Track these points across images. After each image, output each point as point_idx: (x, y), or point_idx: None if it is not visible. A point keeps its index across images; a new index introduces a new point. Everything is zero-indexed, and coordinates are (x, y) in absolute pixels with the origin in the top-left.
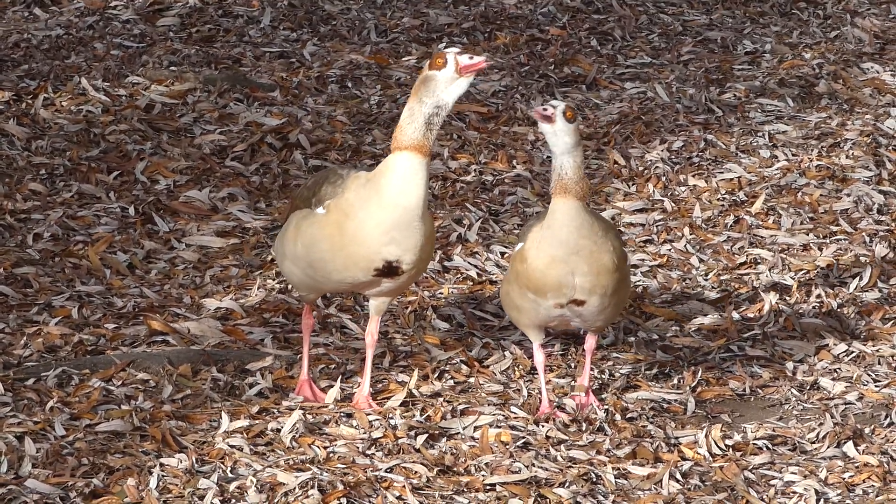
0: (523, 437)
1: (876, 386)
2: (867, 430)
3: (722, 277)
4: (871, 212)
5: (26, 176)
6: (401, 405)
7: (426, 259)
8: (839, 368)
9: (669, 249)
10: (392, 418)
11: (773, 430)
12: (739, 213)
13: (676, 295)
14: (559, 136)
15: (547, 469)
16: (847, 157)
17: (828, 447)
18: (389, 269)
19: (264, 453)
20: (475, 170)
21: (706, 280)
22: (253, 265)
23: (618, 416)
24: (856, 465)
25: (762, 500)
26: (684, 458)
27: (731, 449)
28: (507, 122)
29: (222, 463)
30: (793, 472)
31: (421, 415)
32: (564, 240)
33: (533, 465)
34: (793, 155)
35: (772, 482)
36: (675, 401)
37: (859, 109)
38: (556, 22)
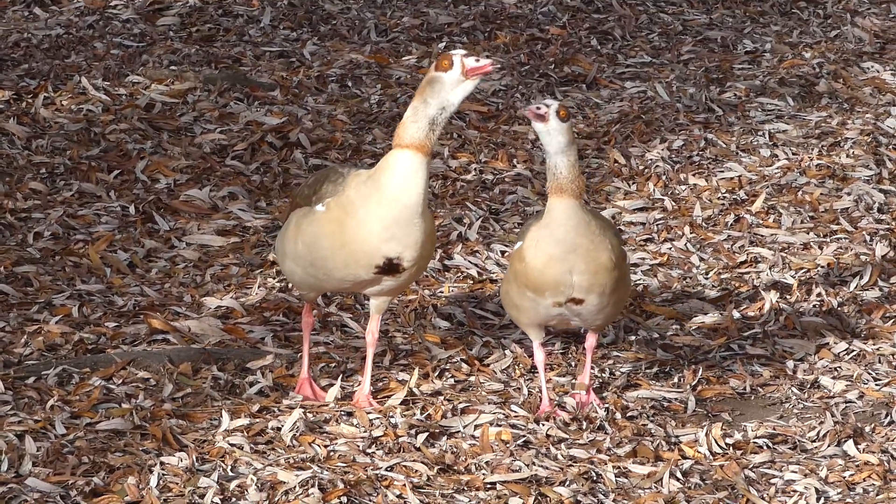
0: (524, 436)
1: (876, 384)
2: (867, 429)
3: (722, 276)
4: (872, 211)
5: (27, 175)
6: (401, 404)
7: (427, 257)
8: (840, 367)
9: (670, 248)
10: (392, 417)
11: (774, 429)
12: (740, 211)
13: (677, 294)
14: (553, 135)
15: (547, 468)
16: (847, 156)
17: (828, 446)
18: (390, 267)
19: (265, 452)
20: (475, 169)
21: (706, 279)
22: (253, 264)
23: (618, 415)
24: (856, 463)
25: (763, 498)
26: (685, 457)
27: (731, 447)
28: (507, 121)
29: (223, 461)
30: (793, 471)
31: (421, 413)
32: (561, 238)
33: (533, 463)
34: (793, 154)
35: (772, 481)
36: (676, 399)
37: (859, 108)
38: (556, 21)
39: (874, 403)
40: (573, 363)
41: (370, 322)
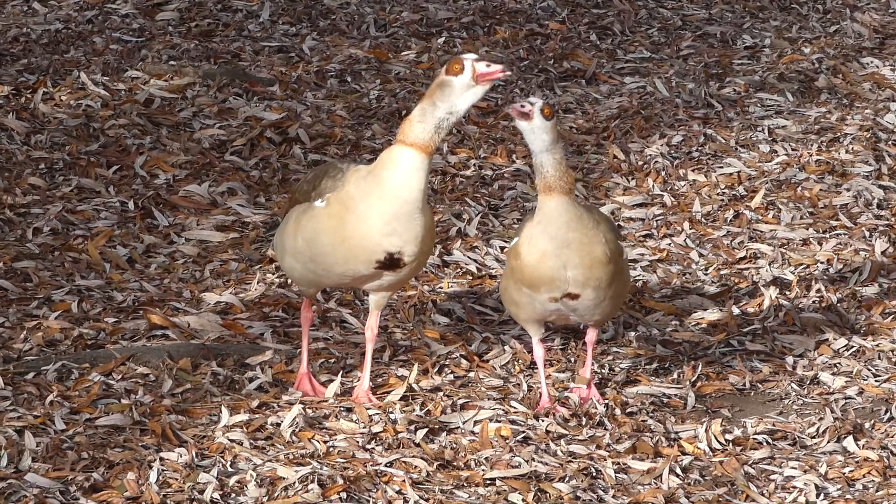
0: (523, 432)
1: (876, 381)
2: (867, 425)
3: (722, 272)
4: (871, 207)
5: (26, 170)
6: (400, 399)
7: (427, 252)
8: (839, 363)
9: (669, 244)
10: (392, 413)
11: (773, 425)
12: (739, 207)
13: (676, 289)
14: (537, 133)
15: (547, 463)
16: (847, 151)
17: (828, 442)
18: (391, 262)
19: (264, 448)
20: (475, 164)
21: (706, 275)
22: (252, 259)
23: (618, 411)
24: (856, 459)
25: (762, 494)
26: (684, 453)
27: (730, 443)
28: (506, 116)
29: (222, 457)
30: (793, 467)
31: (421, 409)
32: (553, 235)
33: (533, 459)
34: (792, 150)
35: (772, 477)
36: (675, 395)
37: (859, 104)
38: (555, 16)
39: (874, 400)
40: (573, 359)
41: (369, 318)
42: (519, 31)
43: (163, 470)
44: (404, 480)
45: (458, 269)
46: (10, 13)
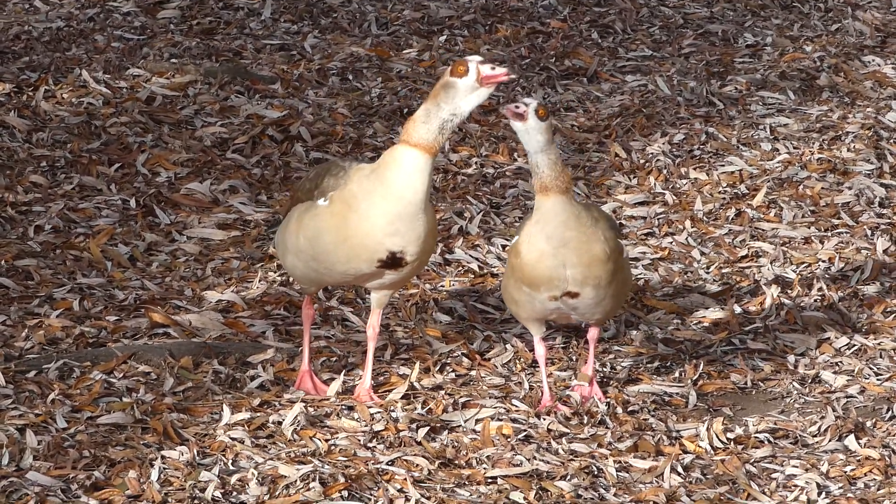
0: (525, 430)
1: (878, 379)
2: (869, 424)
3: (723, 270)
4: (873, 205)
5: (27, 168)
6: (402, 398)
7: (429, 251)
8: (841, 362)
9: (671, 242)
10: (393, 411)
11: (775, 424)
12: (741, 206)
13: (678, 288)
14: (531, 134)
15: (548, 462)
16: (848, 150)
17: (829, 440)
18: (393, 261)
19: (265, 446)
20: (476, 162)
21: (708, 273)
22: (254, 257)
23: (619, 409)
24: (857, 458)
25: (764, 493)
26: (686, 452)
27: (732, 442)
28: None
29: (223, 455)
30: (794, 466)
31: (422, 407)
32: (551, 234)
33: (534, 458)
34: (794, 148)
35: (773, 475)
36: (677, 394)
37: (860, 102)
38: (556, 14)
39: (875, 398)
40: (574, 358)
41: (371, 316)
42: (520, 30)
43: (164, 468)
44: (406, 479)
45: (460, 268)
46: (11, 11)
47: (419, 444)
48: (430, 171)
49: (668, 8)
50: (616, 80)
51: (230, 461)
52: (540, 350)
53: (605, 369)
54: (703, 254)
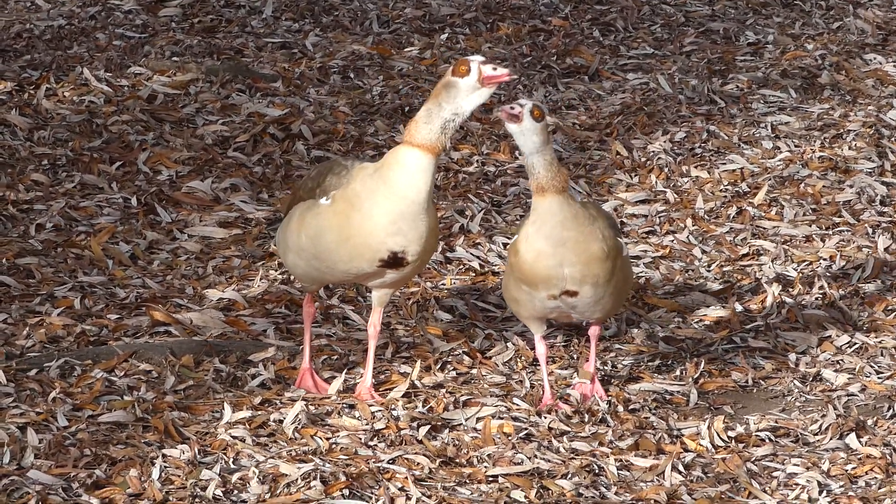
0: (525, 429)
1: (879, 377)
2: (870, 422)
3: (724, 269)
4: (874, 203)
5: (28, 166)
6: (403, 396)
7: (430, 251)
8: (842, 360)
9: (672, 241)
10: (394, 409)
11: (776, 422)
12: (742, 204)
13: (679, 286)
14: (527, 135)
15: (549, 460)
16: (850, 148)
17: (830, 439)
18: (395, 260)
19: (267, 444)
20: (477, 160)
21: (709, 271)
22: (255, 256)
23: (620, 408)
24: (858, 456)
25: (765, 491)
26: (687, 450)
27: (733, 440)
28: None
29: (224, 454)
30: (795, 464)
31: (423, 406)
32: (548, 234)
33: (535, 456)
34: (795, 146)
35: (774, 474)
36: (678, 392)
37: (862, 101)
38: (558, 12)
39: (876, 396)
40: (575, 356)
41: (372, 314)
42: (522, 28)
43: (165, 467)
44: (407, 477)
45: (461, 266)
46: (13, 9)
47: (420, 442)
48: (432, 171)
49: (669, 6)
50: (617, 78)
51: (231, 460)
52: (541, 348)
53: (606, 367)
54: (704, 252)
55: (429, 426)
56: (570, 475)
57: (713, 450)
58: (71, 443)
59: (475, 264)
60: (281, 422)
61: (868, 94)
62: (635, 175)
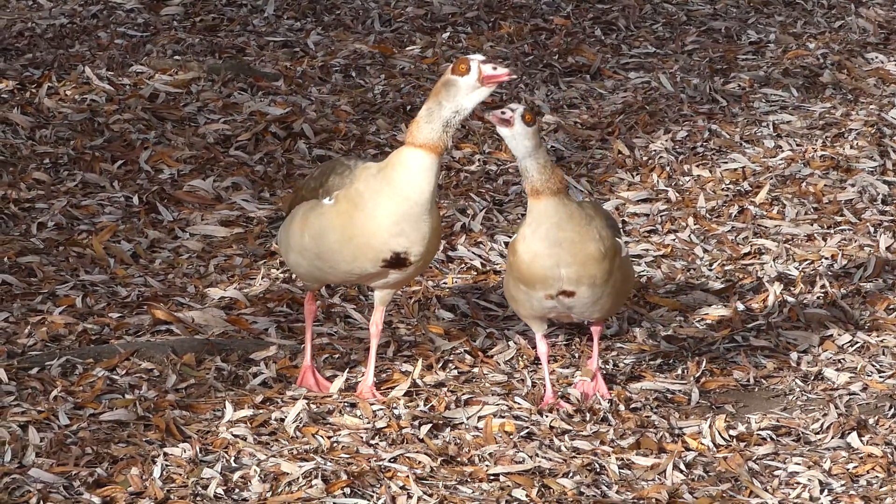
0: (527, 427)
1: (880, 376)
2: (871, 421)
3: (726, 268)
4: (876, 202)
5: (30, 165)
6: (405, 395)
7: (433, 251)
8: (843, 359)
9: (674, 239)
10: (396, 408)
11: (777, 421)
12: (744, 203)
13: (681, 285)
14: (518, 139)
15: (551, 459)
16: (851, 147)
17: (832, 438)
18: (397, 261)
19: (268, 443)
20: (479, 159)
21: (710, 270)
22: (257, 255)
23: (622, 407)
24: (860, 455)
25: (766, 490)
26: (688, 449)
27: (734, 439)
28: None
29: (226, 452)
30: (797, 463)
31: (425, 405)
32: (544, 235)
33: (536, 455)
34: (797, 145)
35: (775, 473)
36: (679, 391)
37: (864, 99)
38: (560, 11)
39: (878, 395)
40: (576, 354)
41: (374, 313)
42: (524, 26)
43: (166, 465)
44: (408, 476)
45: (463, 265)
46: (15, 8)
47: (421, 441)
48: (436, 171)
49: (671, 5)
50: (619, 77)
51: (232, 458)
52: (542, 347)
53: (607, 366)
54: (705, 251)
55: (430, 425)
56: (571, 474)
57: (714, 449)
58: (72, 441)
59: (477, 263)
60: (282, 420)
61: (870, 93)
62: (637, 174)
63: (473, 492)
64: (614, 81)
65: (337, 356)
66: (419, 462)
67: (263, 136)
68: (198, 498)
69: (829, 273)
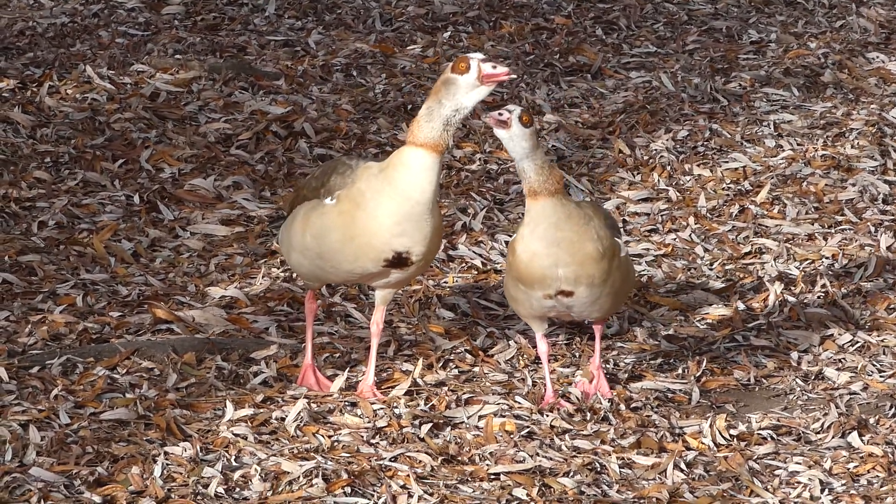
0: (527, 427)
1: (881, 376)
2: (872, 421)
3: (727, 267)
4: (877, 202)
5: (31, 164)
6: (405, 394)
7: (434, 251)
8: (844, 358)
9: (674, 239)
10: (396, 407)
11: (778, 420)
12: (744, 202)
13: (681, 285)
14: (516, 141)
15: (551, 458)
16: (852, 146)
17: (832, 437)
18: (399, 260)
19: (269, 442)
20: (480, 159)
21: (711, 270)
22: (258, 254)
23: (622, 406)
24: (860, 455)
25: (766, 490)
26: (689, 448)
27: (735, 439)
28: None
29: (226, 451)
30: (797, 463)
31: (425, 404)
32: (542, 236)
33: (537, 454)
34: (798, 144)
35: (776, 472)
36: (680, 390)
37: (864, 99)
38: (561, 11)
39: (879, 395)
40: (577, 354)
41: (374, 313)
42: (524, 26)
43: (167, 464)
44: (409, 475)
45: (464, 264)
46: (16, 7)
47: (422, 440)
48: (437, 170)
49: (672, 4)
50: (620, 76)
51: (233, 457)
52: (542, 347)
53: (608, 366)
54: (706, 250)
55: (431, 424)
56: (571, 473)
57: (715, 448)
58: (73, 440)
59: (477, 262)
60: (283, 419)
61: (871, 92)
62: (638, 173)
63: (474, 491)
64: (615, 81)
65: (337, 355)
66: (420, 461)
67: (264, 135)
68: (198, 497)
69: (830, 272)
